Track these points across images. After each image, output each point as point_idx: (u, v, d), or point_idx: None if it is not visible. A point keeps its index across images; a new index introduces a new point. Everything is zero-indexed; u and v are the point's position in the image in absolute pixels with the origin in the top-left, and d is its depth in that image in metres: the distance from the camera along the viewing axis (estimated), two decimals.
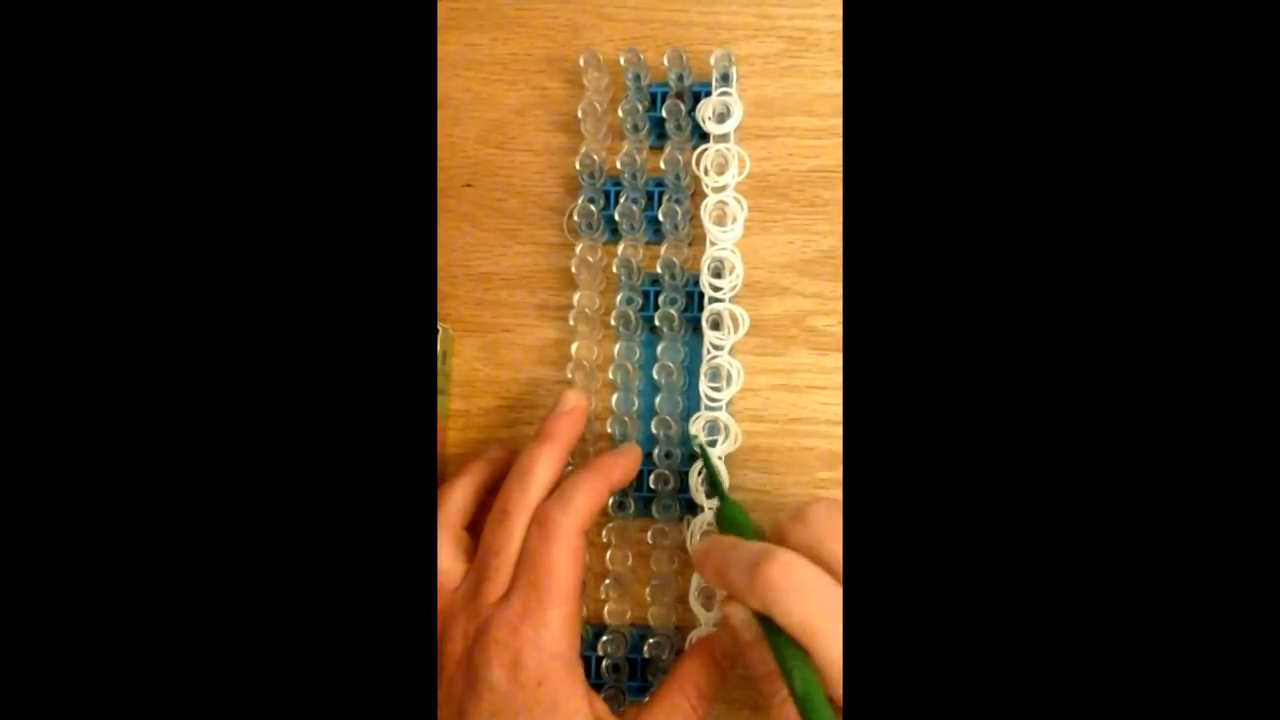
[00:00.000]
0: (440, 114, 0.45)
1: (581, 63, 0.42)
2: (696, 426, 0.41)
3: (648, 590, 0.40)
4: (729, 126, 0.42)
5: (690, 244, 0.43)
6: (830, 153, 0.43)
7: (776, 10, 0.44)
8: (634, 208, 0.41)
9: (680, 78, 0.42)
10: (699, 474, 0.40)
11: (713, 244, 0.42)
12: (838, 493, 0.40)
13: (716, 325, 0.41)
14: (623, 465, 0.39)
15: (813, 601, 0.30)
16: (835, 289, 0.42)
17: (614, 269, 0.41)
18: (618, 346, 0.42)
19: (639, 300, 0.42)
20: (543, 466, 0.37)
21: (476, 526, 0.38)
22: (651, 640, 0.39)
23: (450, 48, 0.46)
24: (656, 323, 0.41)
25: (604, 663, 0.39)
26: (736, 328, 0.41)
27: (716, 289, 0.41)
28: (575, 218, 0.42)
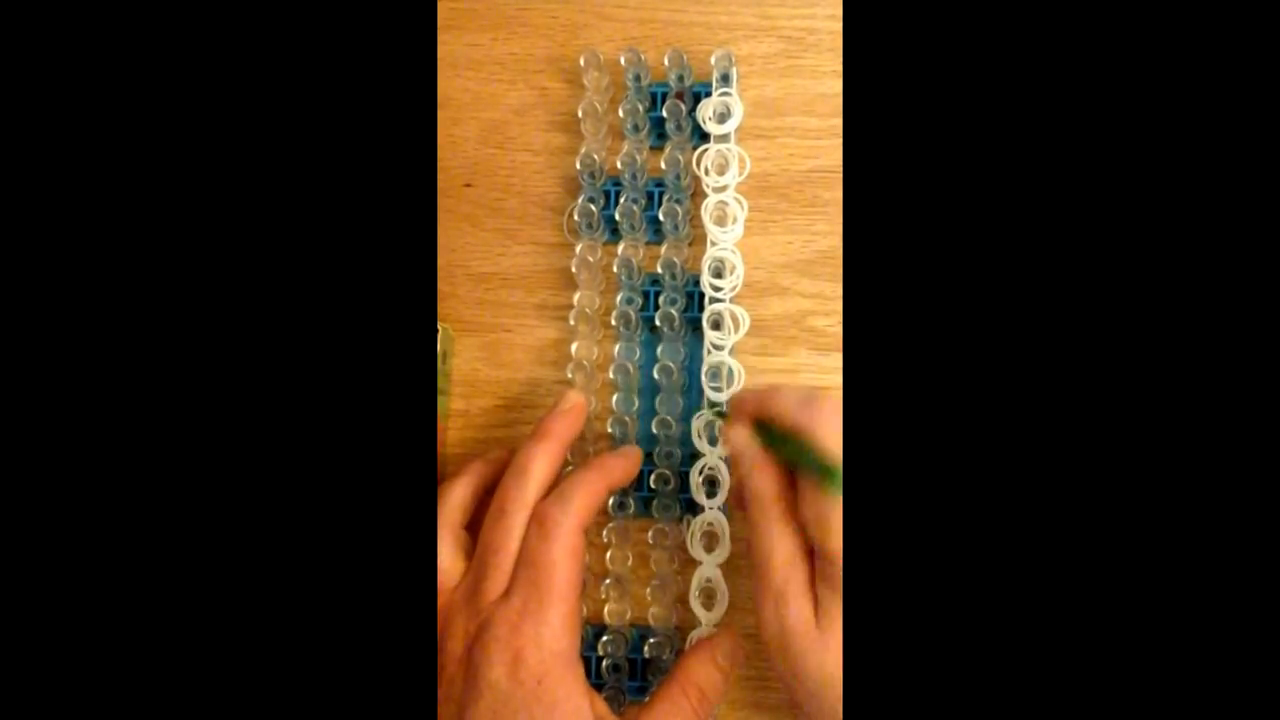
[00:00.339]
0: (440, 114, 0.45)
1: (582, 63, 0.42)
2: (700, 421, 0.41)
3: (648, 590, 0.40)
4: (729, 127, 0.42)
5: (690, 244, 0.43)
6: (830, 153, 0.43)
7: (776, 10, 0.44)
8: (634, 208, 0.41)
9: (680, 78, 0.42)
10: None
11: (713, 244, 0.42)
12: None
13: (717, 325, 0.41)
14: (623, 466, 0.39)
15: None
16: (835, 289, 0.42)
17: (614, 269, 0.41)
18: (618, 346, 0.42)
19: (639, 300, 0.42)
20: (539, 465, 0.37)
21: (476, 526, 0.38)
22: (652, 640, 0.39)
23: (450, 48, 0.46)
24: (657, 323, 0.41)
25: (604, 663, 0.39)
26: (737, 328, 0.41)
27: (717, 289, 0.41)
28: (575, 217, 0.42)
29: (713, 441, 0.40)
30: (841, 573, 0.31)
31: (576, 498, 0.36)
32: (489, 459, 0.40)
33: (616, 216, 0.42)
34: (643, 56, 0.42)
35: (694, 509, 0.40)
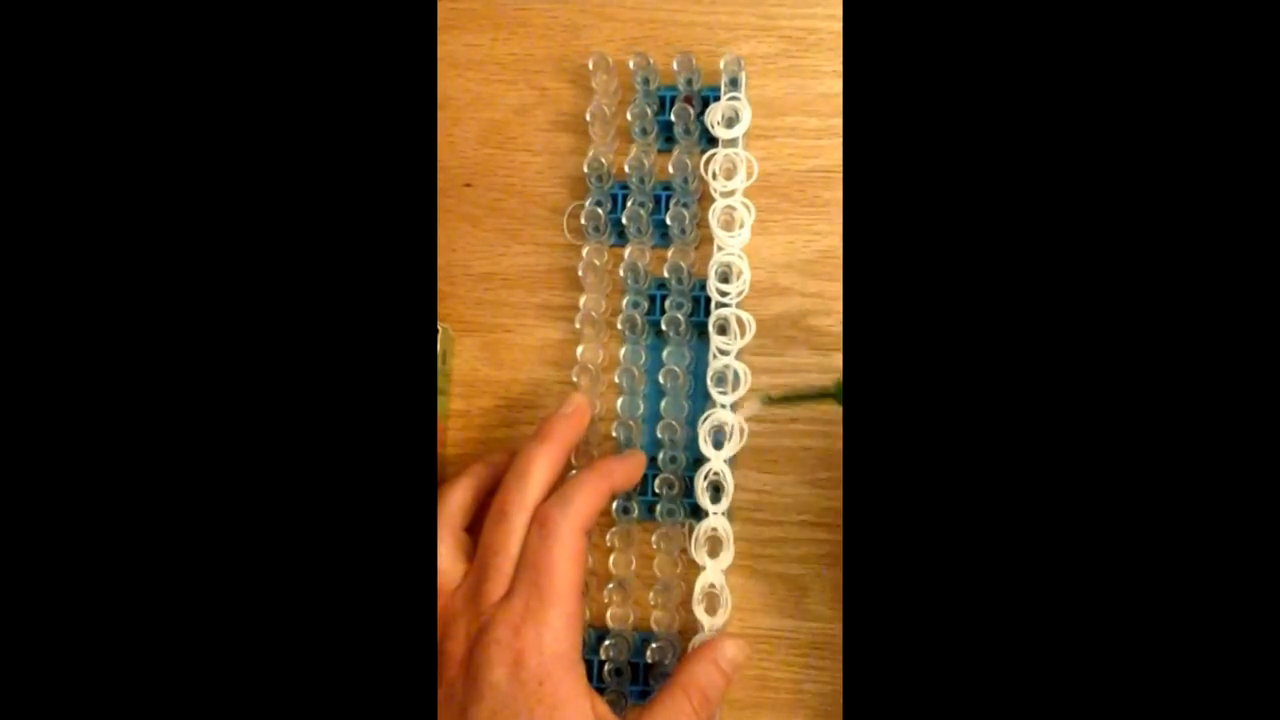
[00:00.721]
0: (440, 114, 0.45)
1: (590, 65, 0.42)
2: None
3: (651, 594, 0.40)
4: (738, 131, 0.42)
5: (697, 248, 0.43)
6: (830, 153, 0.43)
7: (777, 10, 0.44)
8: (641, 211, 0.41)
9: (689, 81, 0.42)
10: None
11: (720, 249, 0.42)
12: (837, 493, 0.40)
13: (723, 330, 0.41)
14: (625, 469, 0.39)
15: None
16: (835, 289, 0.42)
17: (621, 273, 0.41)
18: (623, 350, 0.42)
19: (645, 304, 0.42)
20: (541, 467, 0.37)
21: (477, 528, 0.38)
22: (654, 645, 0.39)
23: (450, 48, 0.46)
24: (663, 327, 0.41)
25: (606, 667, 0.39)
26: (743, 333, 0.41)
27: (723, 294, 0.41)
28: (583, 221, 0.42)
29: (718, 445, 0.40)
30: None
31: (578, 500, 0.36)
32: (490, 461, 0.40)
33: (623, 220, 0.41)
34: (651, 60, 0.42)
35: (698, 514, 0.40)
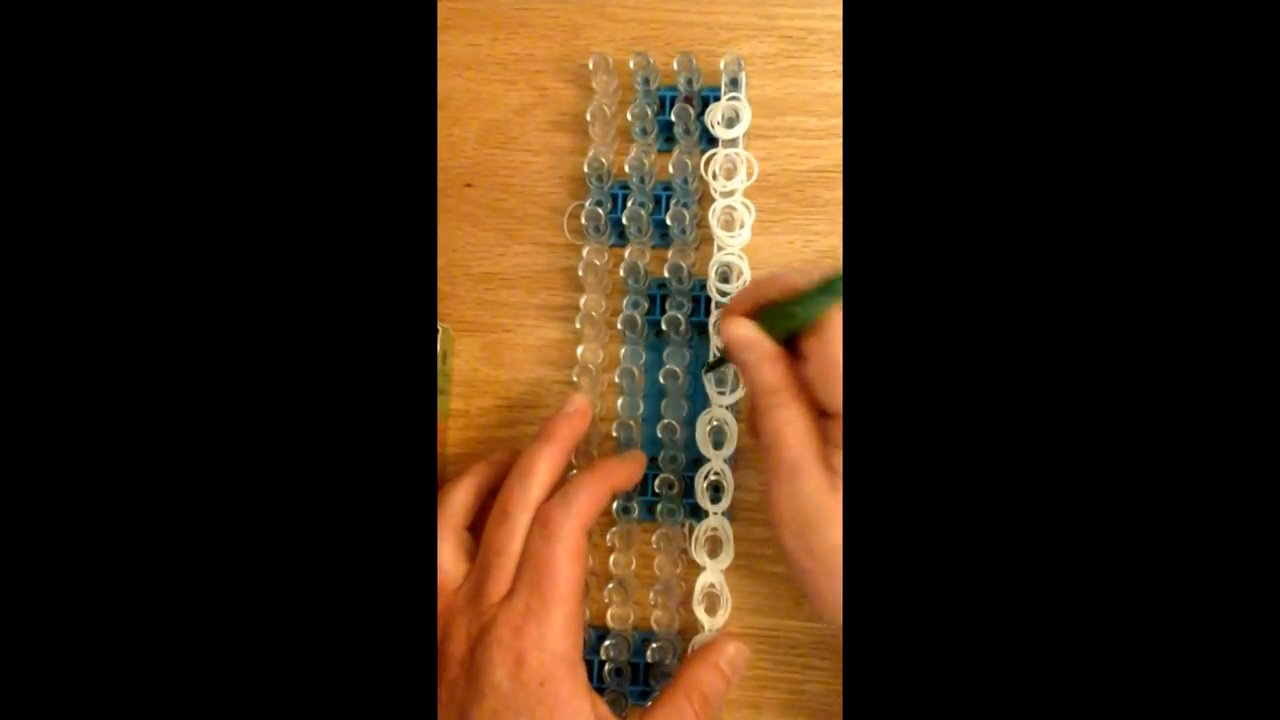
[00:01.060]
0: (440, 114, 0.45)
1: (591, 66, 0.42)
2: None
3: (651, 595, 0.40)
4: (738, 131, 0.42)
5: (697, 248, 0.43)
6: (830, 153, 0.43)
7: (776, 10, 0.44)
8: (641, 211, 0.41)
9: (689, 81, 0.42)
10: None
11: (720, 249, 0.42)
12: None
13: None
14: (626, 469, 0.39)
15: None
16: None
17: (621, 273, 0.41)
18: (623, 350, 0.42)
19: (645, 304, 0.42)
20: (542, 467, 0.37)
21: (478, 527, 0.38)
22: (654, 645, 0.39)
23: (450, 48, 0.46)
24: (663, 327, 0.41)
25: (606, 667, 0.39)
26: None
27: (723, 294, 0.41)
28: (583, 221, 0.42)
29: (718, 445, 0.40)
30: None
31: (579, 500, 0.36)
32: (491, 460, 0.40)
33: (624, 220, 0.41)
34: (651, 60, 0.42)
35: (698, 514, 0.40)
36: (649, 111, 0.42)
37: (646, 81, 0.43)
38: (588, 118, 0.42)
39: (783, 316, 0.33)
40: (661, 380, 0.41)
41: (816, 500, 0.32)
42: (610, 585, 0.40)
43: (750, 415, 0.35)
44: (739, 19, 0.44)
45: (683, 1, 0.45)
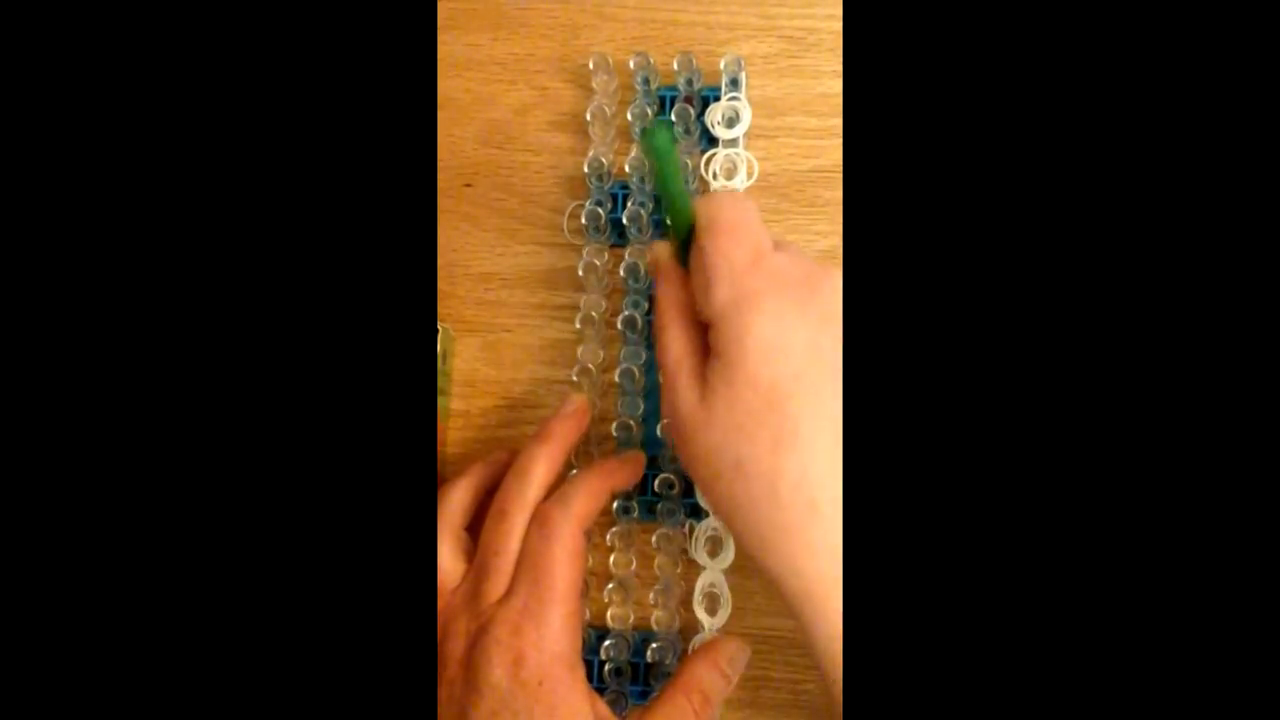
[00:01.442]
0: (440, 114, 0.45)
1: (590, 66, 0.42)
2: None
3: (651, 594, 0.40)
4: (738, 131, 0.42)
5: None
6: (830, 153, 0.43)
7: (776, 10, 0.44)
8: (641, 212, 0.41)
9: (689, 82, 0.42)
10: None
11: None
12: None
13: None
14: (625, 470, 0.39)
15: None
16: None
17: (621, 273, 0.41)
18: (623, 350, 0.42)
19: (645, 304, 0.42)
20: (540, 466, 0.37)
21: (477, 528, 0.38)
22: (654, 645, 0.39)
23: (450, 48, 0.46)
24: None
25: (606, 667, 0.39)
26: None
27: None
28: (583, 221, 0.42)
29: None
30: (721, 334, 0.32)
31: (578, 499, 0.36)
32: (490, 461, 0.40)
33: (624, 220, 0.41)
34: (651, 60, 0.42)
35: (698, 513, 0.40)
36: (649, 111, 0.42)
37: (646, 81, 0.43)
38: (587, 118, 0.42)
39: (674, 230, 0.34)
40: (660, 380, 0.41)
41: (687, 410, 0.32)
42: (610, 585, 0.40)
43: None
44: (739, 19, 0.44)
45: (683, 1, 0.45)
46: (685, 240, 0.34)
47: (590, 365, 0.42)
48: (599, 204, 0.42)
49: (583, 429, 0.39)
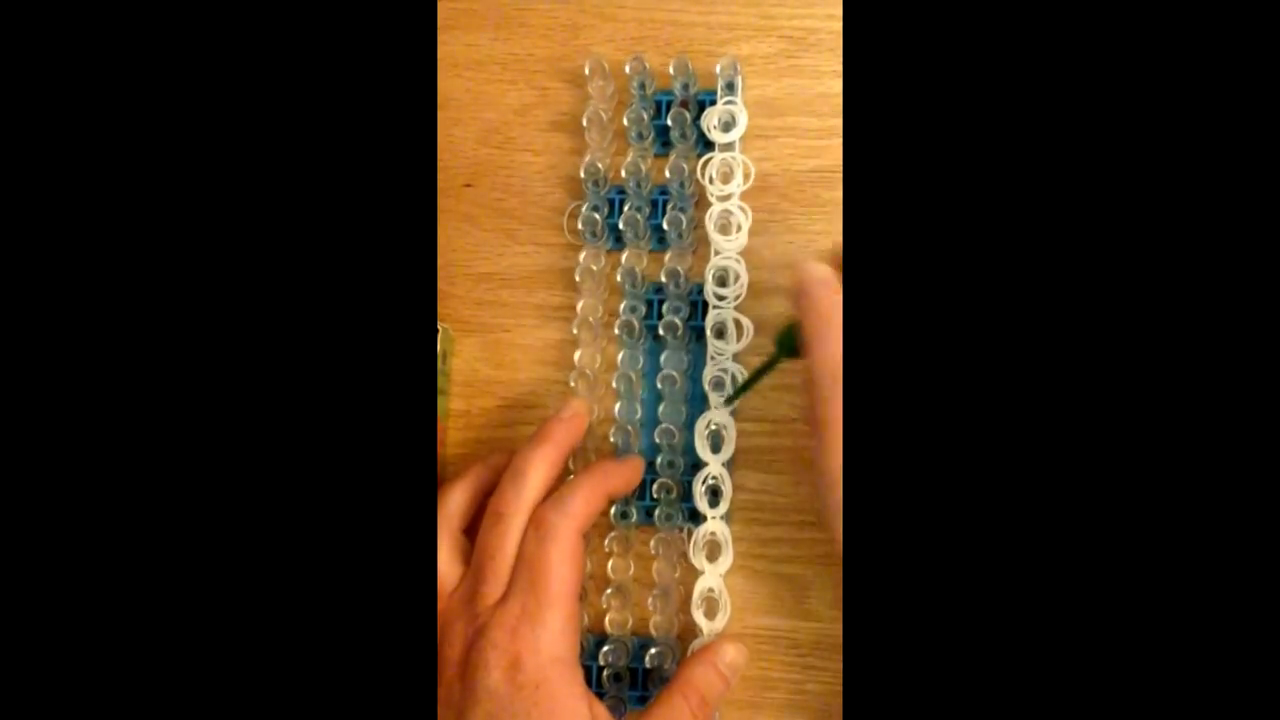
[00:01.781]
0: (440, 114, 0.45)
1: (587, 70, 0.42)
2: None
3: (650, 599, 0.40)
4: (734, 135, 0.42)
5: (694, 252, 0.43)
6: (830, 153, 0.43)
7: (776, 10, 0.44)
8: (638, 216, 0.41)
9: (685, 86, 0.42)
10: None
11: (717, 252, 0.41)
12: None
13: (720, 334, 0.41)
14: (623, 474, 0.39)
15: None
16: None
17: (618, 277, 0.41)
18: (621, 354, 0.42)
19: (643, 308, 0.42)
20: (537, 469, 0.37)
21: (475, 530, 0.38)
22: (653, 650, 0.39)
23: (450, 48, 0.45)
24: (660, 331, 0.41)
25: (605, 672, 0.39)
26: (740, 336, 0.41)
27: (720, 297, 0.41)
28: (580, 225, 0.42)
29: (716, 449, 0.40)
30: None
31: (575, 502, 0.36)
32: (488, 463, 0.40)
33: (620, 224, 0.41)
34: (647, 64, 0.42)
35: (696, 518, 0.40)
36: (645, 116, 0.42)
37: (643, 86, 0.43)
38: (584, 123, 0.42)
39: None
40: (659, 384, 0.41)
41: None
42: (609, 590, 0.40)
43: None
44: (738, 19, 0.44)
45: (682, 1, 0.45)
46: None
47: (588, 369, 0.41)
48: (596, 208, 0.42)
49: (580, 433, 0.39)
